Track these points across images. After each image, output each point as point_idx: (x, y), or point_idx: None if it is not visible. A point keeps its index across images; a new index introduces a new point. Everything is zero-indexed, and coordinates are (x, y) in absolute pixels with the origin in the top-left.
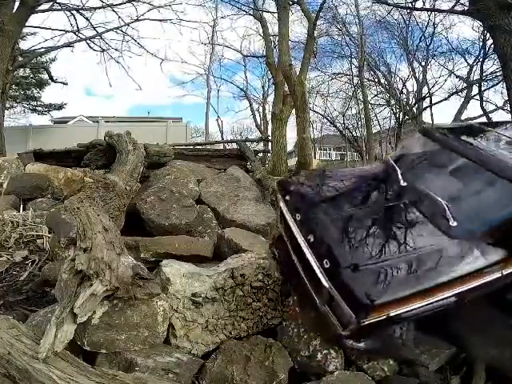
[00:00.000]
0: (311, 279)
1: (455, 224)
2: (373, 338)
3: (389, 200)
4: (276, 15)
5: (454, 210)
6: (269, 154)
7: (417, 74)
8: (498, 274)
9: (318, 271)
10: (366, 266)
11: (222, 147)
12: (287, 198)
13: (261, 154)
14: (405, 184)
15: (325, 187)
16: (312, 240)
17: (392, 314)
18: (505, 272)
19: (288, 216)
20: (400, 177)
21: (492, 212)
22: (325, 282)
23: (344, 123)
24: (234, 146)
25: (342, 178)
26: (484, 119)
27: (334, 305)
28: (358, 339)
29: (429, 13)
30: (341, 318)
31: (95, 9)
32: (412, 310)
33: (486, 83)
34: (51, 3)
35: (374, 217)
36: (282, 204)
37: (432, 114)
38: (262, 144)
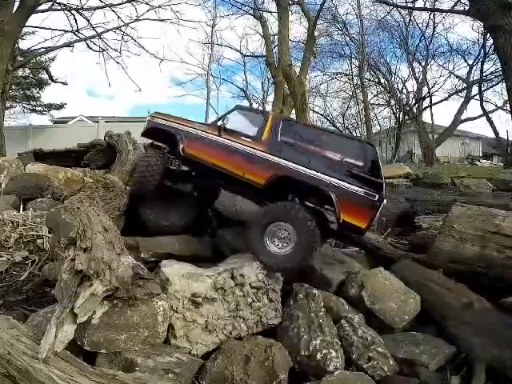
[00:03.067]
0: None
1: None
2: None
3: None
4: (276, 15)
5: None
6: None
7: (417, 74)
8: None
9: None
10: None
11: None
12: None
13: None
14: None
15: None
16: None
17: None
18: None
19: None
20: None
21: None
22: None
23: (344, 123)
24: None
25: None
26: (484, 119)
27: None
28: None
29: (429, 13)
30: None
31: (95, 9)
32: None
33: (485, 83)
34: (51, 3)
35: None
36: None
37: (432, 114)
38: None
